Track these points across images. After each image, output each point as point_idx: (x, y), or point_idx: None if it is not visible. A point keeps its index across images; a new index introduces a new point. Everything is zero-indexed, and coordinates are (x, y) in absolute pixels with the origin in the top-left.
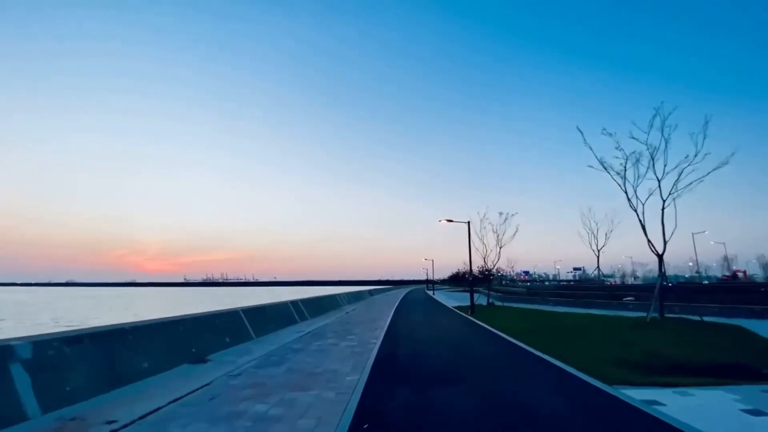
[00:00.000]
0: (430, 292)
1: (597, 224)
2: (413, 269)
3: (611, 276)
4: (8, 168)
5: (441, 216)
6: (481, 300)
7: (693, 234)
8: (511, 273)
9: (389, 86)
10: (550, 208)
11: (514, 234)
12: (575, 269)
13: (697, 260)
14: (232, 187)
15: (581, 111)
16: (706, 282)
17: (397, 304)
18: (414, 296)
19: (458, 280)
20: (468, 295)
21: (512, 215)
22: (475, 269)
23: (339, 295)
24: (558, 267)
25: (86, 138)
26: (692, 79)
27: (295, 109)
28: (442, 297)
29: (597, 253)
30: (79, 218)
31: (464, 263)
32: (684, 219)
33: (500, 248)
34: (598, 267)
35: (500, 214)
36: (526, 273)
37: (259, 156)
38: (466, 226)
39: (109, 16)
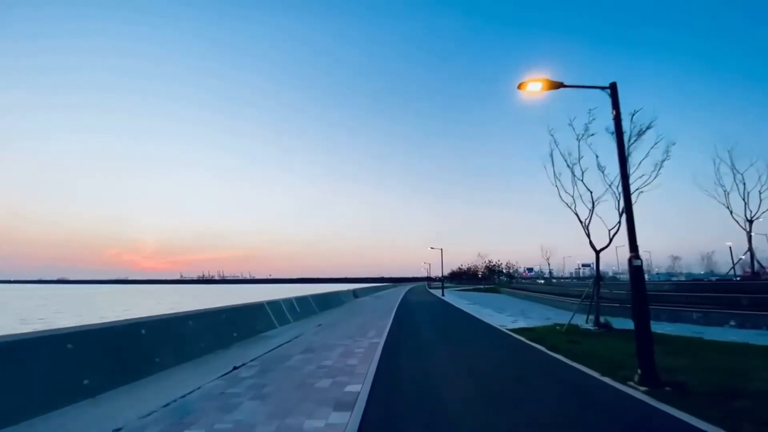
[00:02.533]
0: (436, 292)
1: (743, 176)
2: (412, 267)
3: (622, 274)
4: (7, 167)
5: (439, 215)
6: (545, 312)
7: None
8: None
9: (389, 86)
10: (548, 206)
11: (657, 169)
12: (583, 265)
13: (752, 252)
14: (231, 187)
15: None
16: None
17: (391, 321)
18: (417, 299)
19: (460, 277)
20: (496, 297)
21: (646, 129)
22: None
23: (297, 299)
24: (578, 263)
25: (86, 137)
26: None
27: (295, 109)
28: (461, 302)
29: (748, 227)
30: (79, 217)
31: (479, 254)
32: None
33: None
34: (750, 249)
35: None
36: (530, 270)
37: (259, 156)
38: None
39: (109, 15)
